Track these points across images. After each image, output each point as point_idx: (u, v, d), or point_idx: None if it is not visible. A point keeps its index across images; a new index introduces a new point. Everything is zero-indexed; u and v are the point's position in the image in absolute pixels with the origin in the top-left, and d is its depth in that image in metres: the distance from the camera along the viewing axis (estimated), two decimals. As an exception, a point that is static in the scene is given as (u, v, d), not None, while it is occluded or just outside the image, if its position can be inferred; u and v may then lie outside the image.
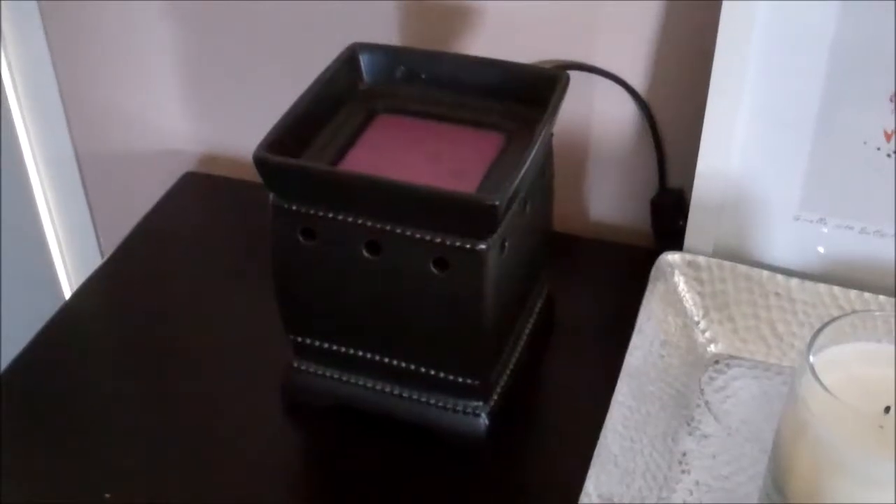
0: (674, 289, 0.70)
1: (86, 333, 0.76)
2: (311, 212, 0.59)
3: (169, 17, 0.87)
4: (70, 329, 0.76)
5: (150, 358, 0.73)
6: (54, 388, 0.70)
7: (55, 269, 1.02)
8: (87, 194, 0.99)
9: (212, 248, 0.83)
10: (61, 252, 1.02)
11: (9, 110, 0.93)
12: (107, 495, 0.63)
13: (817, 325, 0.55)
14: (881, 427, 0.51)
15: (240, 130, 0.89)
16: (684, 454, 0.63)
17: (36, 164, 0.97)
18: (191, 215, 0.88)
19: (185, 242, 0.84)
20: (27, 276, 0.99)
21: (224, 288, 0.78)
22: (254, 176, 0.60)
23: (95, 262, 0.96)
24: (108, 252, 0.84)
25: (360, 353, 0.64)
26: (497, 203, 0.55)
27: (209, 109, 0.91)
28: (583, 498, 0.57)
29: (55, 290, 1.02)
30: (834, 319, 0.55)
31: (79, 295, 0.80)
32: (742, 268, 0.70)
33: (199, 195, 0.89)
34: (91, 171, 0.98)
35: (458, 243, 0.57)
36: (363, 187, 0.58)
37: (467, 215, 0.56)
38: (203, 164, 0.93)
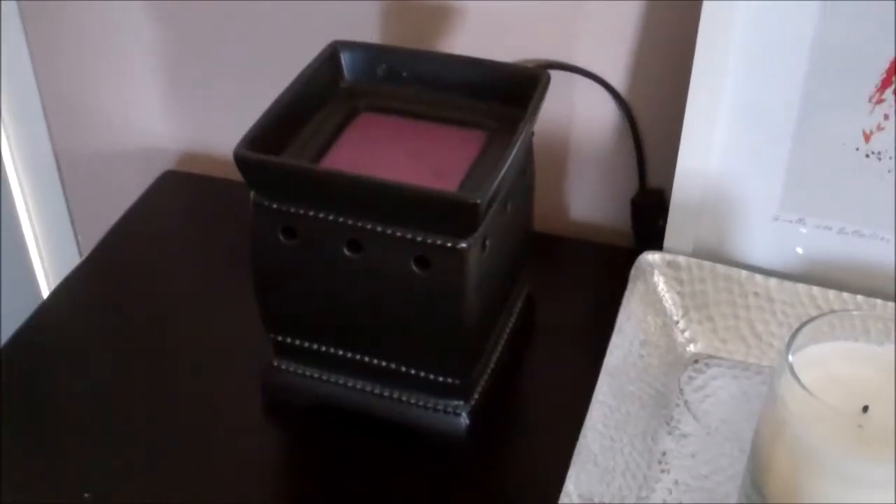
0: (653, 288, 0.70)
1: (63, 332, 0.76)
2: (292, 210, 0.59)
3: (149, 17, 0.86)
4: (48, 328, 0.75)
5: (128, 357, 0.73)
6: (31, 386, 0.70)
7: (33, 268, 1.01)
8: (65, 192, 0.99)
9: (191, 246, 0.83)
10: (39, 250, 1.01)
11: (-13, 108, 0.93)
12: (86, 495, 0.63)
13: (796, 325, 0.55)
14: (860, 426, 0.51)
15: (220, 129, 0.89)
16: (664, 453, 0.63)
17: (14, 162, 0.96)
18: (170, 214, 0.87)
19: (164, 241, 0.84)
20: (5, 274, 0.98)
21: (203, 286, 0.78)
22: (233, 174, 0.60)
23: (74, 260, 0.96)
24: (87, 251, 0.84)
25: (341, 353, 0.64)
26: (479, 201, 0.55)
27: (189, 108, 0.91)
28: (563, 497, 0.57)
29: (33, 288, 1.02)
30: (813, 319, 0.55)
31: (57, 294, 0.79)
32: (721, 268, 0.70)
33: (179, 194, 0.89)
34: (70, 170, 0.97)
35: (439, 242, 0.57)
36: (344, 185, 0.58)
37: (449, 214, 0.56)
38: (183, 163, 0.93)
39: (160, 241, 0.84)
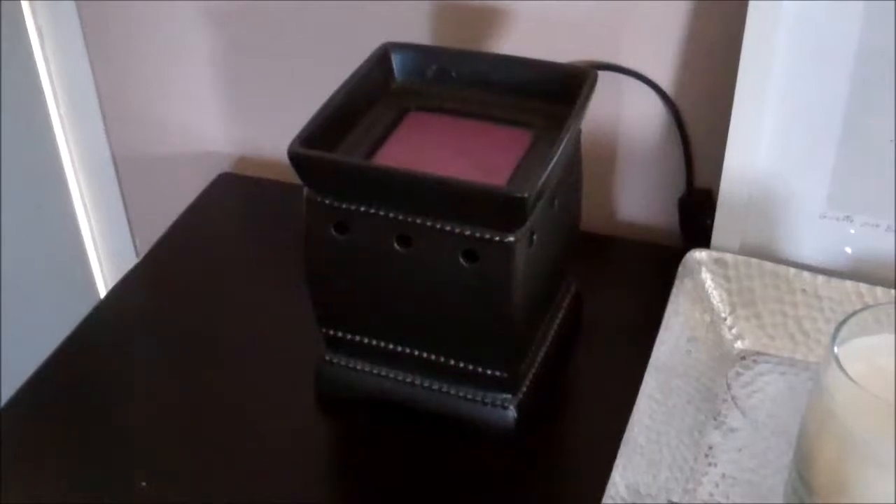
0: (701, 286, 0.71)
1: (120, 331, 0.77)
2: (344, 206, 0.60)
3: (204, 20, 0.88)
4: (105, 326, 0.77)
5: (184, 356, 0.74)
6: (89, 383, 0.71)
7: (91, 269, 1.03)
8: (123, 194, 1.00)
9: (245, 247, 0.85)
10: (97, 251, 1.03)
11: (47, 112, 0.95)
12: (142, 483, 0.64)
13: (843, 322, 0.55)
14: (905, 417, 0.51)
15: (274, 132, 0.89)
16: (711, 447, 0.64)
17: (73, 164, 0.98)
18: (225, 215, 0.89)
19: (219, 242, 0.85)
20: (63, 275, 1.00)
21: (257, 285, 0.79)
22: (286, 177, 0.61)
23: (130, 261, 0.98)
24: (144, 252, 0.85)
25: (391, 346, 0.65)
26: (526, 195, 0.56)
27: (243, 111, 0.92)
28: (609, 488, 0.58)
29: (90, 288, 1.04)
30: (858, 311, 0.55)
31: (114, 293, 0.81)
32: (769, 265, 0.70)
33: (234, 196, 0.90)
34: (127, 172, 0.99)
35: (487, 236, 0.58)
36: (395, 181, 0.59)
37: (497, 208, 0.57)
38: (238, 166, 0.94)
39: (215, 242, 0.85)
